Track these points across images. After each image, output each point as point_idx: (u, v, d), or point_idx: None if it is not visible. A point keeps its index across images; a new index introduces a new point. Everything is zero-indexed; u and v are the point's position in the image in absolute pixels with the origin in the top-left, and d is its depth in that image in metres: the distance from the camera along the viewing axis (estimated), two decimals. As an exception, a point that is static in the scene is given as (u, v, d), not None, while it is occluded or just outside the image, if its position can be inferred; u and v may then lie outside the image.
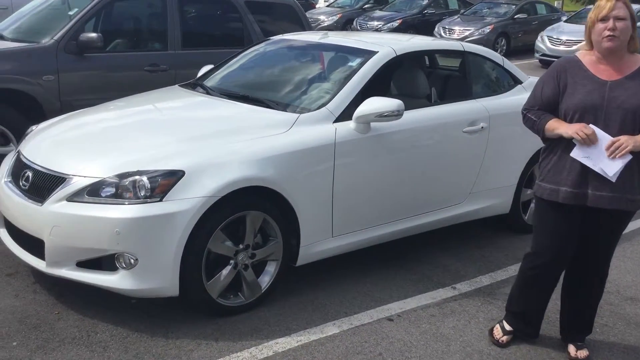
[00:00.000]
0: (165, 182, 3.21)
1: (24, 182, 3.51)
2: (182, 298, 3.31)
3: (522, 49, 17.03)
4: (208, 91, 4.43)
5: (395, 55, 4.25)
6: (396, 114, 3.79)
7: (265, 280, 3.60)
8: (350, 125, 3.81)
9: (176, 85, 4.77)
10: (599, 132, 2.91)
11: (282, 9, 7.05)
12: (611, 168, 2.90)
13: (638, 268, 4.48)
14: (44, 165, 3.47)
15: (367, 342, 3.32)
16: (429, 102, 4.46)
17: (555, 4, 23.09)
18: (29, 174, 3.50)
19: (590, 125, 2.91)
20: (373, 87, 4.06)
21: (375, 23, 18.87)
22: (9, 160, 3.88)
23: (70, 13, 5.72)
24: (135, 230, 3.13)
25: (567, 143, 2.99)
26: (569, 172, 3.00)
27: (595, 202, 2.98)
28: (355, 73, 4.05)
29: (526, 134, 4.47)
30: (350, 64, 4.23)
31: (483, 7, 19.21)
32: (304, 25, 7.10)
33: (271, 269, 3.61)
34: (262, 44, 5.00)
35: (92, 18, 5.70)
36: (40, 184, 3.41)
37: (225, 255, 3.42)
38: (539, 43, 15.71)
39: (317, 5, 23.76)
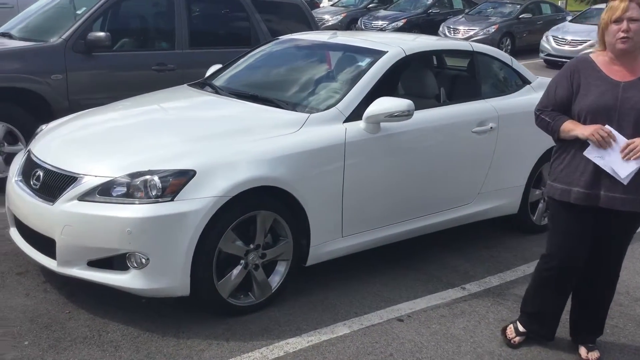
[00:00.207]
0: (176, 182, 3.21)
1: (34, 182, 3.51)
2: (192, 298, 3.31)
3: (527, 49, 16.99)
4: (217, 90, 4.43)
5: (404, 55, 4.24)
6: (406, 114, 3.78)
7: (275, 280, 3.60)
8: (360, 125, 3.81)
9: (185, 85, 4.77)
10: (616, 134, 2.90)
11: (289, 8, 7.05)
12: (624, 170, 2.89)
13: (647, 269, 4.47)
14: (55, 164, 3.47)
15: (377, 342, 3.32)
16: (437, 102, 4.46)
17: (559, 4, 23.04)
18: (40, 173, 3.50)
19: (606, 127, 2.91)
20: (382, 87, 4.06)
21: (380, 22, 18.86)
22: (19, 160, 3.88)
23: (78, 12, 5.72)
24: (147, 229, 3.13)
25: (581, 143, 2.98)
26: (582, 173, 2.99)
27: (607, 204, 2.97)
28: (365, 73, 4.04)
29: (535, 135, 4.47)
30: (359, 63, 4.23)
31: (487, 7, 19.19)
32: (311, 24, 7.10)
33: (281, 268, 3.61)
34: (271, 44, 5.00)
35: (100, 17, 5.70)
36: (52, 183, 3.41)
37: (235, 255, 3.42)
38: (544, 43, 15.69)
39: (321, 5, 23.76)
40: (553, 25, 16.95)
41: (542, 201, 4.97)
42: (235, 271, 3.42)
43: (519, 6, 18.41)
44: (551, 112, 3.09)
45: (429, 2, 20.07)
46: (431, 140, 4.17)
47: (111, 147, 3.57)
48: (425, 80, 4.46)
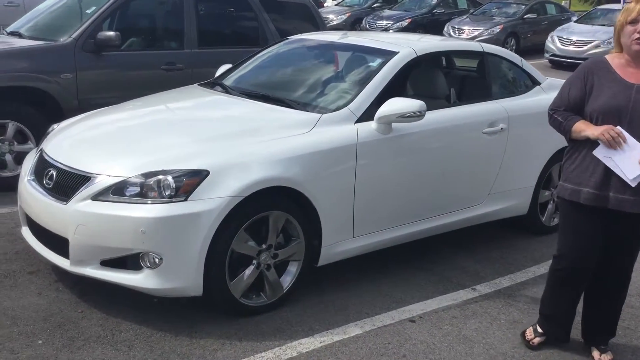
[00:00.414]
0: (190, 182, 3.21)
1: (47, 181, 3.51)
2: (205, 297, 3.31)
3: (532, 49, 16.98)
4: (228, 90, 4.43)
5: (415, 55, 4.24)
6: (418, 115, 3.78)
7: (287, 280, 3.60)
8: (371, 125, 3.81)
9: (195, 85, 4.77)
10: (627, 135, 2.90)
11: (297, 8, 7.04)
12: (632, 173, 2.89)
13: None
14: (68, 164, 3.48)
15: (390, 343, 3.32)
16: (448, 102, 4.46)
17: (563, 4, 23.01)
18: (53, 172, 3.51)
19: (618, 128, 2.91)
20: (393, 88, 4.06)
21: (385, 22, 18.84)
22: (31, 159, 3.89)
23: (88, 11, 5.72)
24: (161, 229, 3.14)
25: (592, 144, 2.98)
26: (592, 174, 3.00)
27: (616, 205, 2.97)
28: (377, 73, 4.04)
29: (545, 136, 4.50)
30: (371, 64, 4.23)
31: (492, 7, 19.17)
32: (319, 24, 7.10)
33: (293, 269, 3.62)
34: (281, 44, 5.00)
35: (109, 16, 5.70)
36: (65, 183, 3.41)
37: (248, 255, 3.42)
38: (549, 43, 15.67)
39: (325, 4, 23.73)
40: (558, 25, 16.92)
41: (551, 202, 4.97)
42: (248, 271, 3.42)
43: (523, 6, 18.38)
44: (564, 112, 3.09)
45: (433, 2, 20.05)
46: (442, 141, 4.17)
47: (124, 147, 3.58)
48: (436, 80, 4.46)
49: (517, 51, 16.88)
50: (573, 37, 15.21)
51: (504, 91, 4.79)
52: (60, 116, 5.11)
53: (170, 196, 3.18)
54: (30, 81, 5.25)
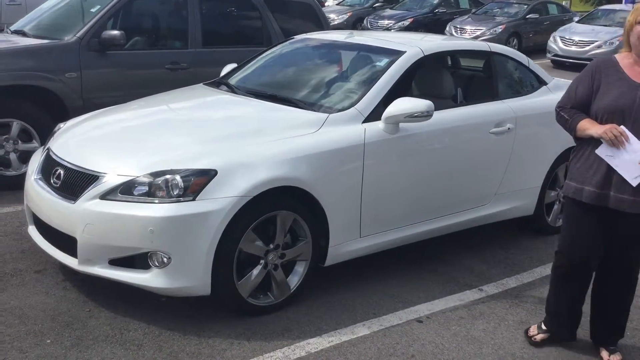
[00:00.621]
0: (198, 181, 3.20)
1: (55, 180, 3.51)
2: (213, 297, 3.31)
3: (534, 49, 16.96)
4: (234, 90, 4.42)
5: (423, 55, 4.23)
6: (426, 115, 3.78)
7: (294, 280, 3.59)
8: (379, 125, 3.80)
9: (201, 84, 4.76)
10: (630, 135, 2.90)
11: (301, 7, 7.03)
12: (633, 173, 2.89)
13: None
14: (76, 163, 3.47)
15: (398, 343, 3.31)
16: (455, 102, 4.45)
17: (564, 4, 23.02)
18: (61, 171, 3.50)
19: (621, 127, 2.91)
20: (400, 88, 4.06)
21: (386, 22, 18.83)
22: (37, 157, 3.88)
23: (92, 10, 5.71)
24: (169, 229, 3.13)
25: (596, 143, 2.99)
26: (594, 172, 3.00)
27: (616, 205, 2.97)
28: (384, 73, 4.03)
29: (551, 136, 4.50)
30: (378, 64, 4.22)
31: (494, 7, 19.16)
32: (323, 24, 7.09)
33: (300, 269, 3.61)
34: (286, 43, 4.99)
35: (114, 16, 5.69)
36: (72, 182, 3.41)
37: (255, 255, 3.41)
38: (551, 43, 15.66)
39: (326, 4, 23.72)
40: (560, 25, 16.92)
41: (557, 203, 4.96)
42: (255, 271, 3.41)
43: (525, 6, 18.37)
44: (570, 110, 3.11)
45: (435, 2, 20.03)
46: (449, 141, 4.16)
47: (132, 146, 3.57)
48: (443, 80, 4.45)
49: (519, 51, 16.82)
50: (575, 38, 15.20)
51: (510, 91, 4.79)
52: (65, 115, 5.11)
53: (179, 195, 3.18)
54: (34, 80, 5.24)
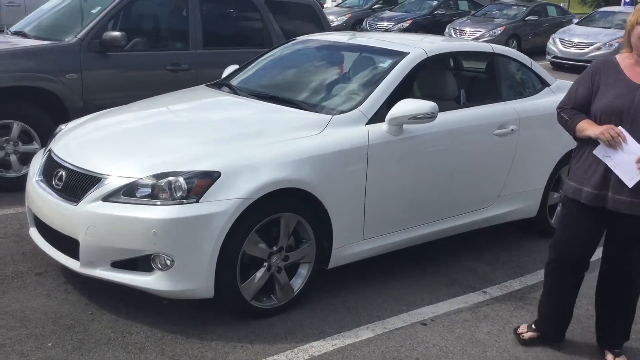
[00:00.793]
0: (201, 183, 3.18)
1: (57, 182, 3.48)
2: (216, 300, 3.28)
3: (533, 51, 16.94)
4: (236, 91, 4.40)
5: (426, 56, 4.22)
6: (430, 116, 3.76)
7: (297, 282, 3.57)
8: (382, 127, 3.78)
9: (203, 85, 4.73)
10: (627, 136, 2.88)
11: (302, 9, 7.01)
12: (630, 174, 2.87)
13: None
14: (78, 164, 3.44)
15: (402, 346, 3.29)
16: (458, 104, 4.43)
17: (562, 5, 23.04)
18: (62, 173, 3.47)
19: (619, 127, 2.90)
20: (403, 89, 4.04)
21: (385, 23, 18.83)
22: (39, 159, 3.85)
23: (93, 11, 5.69)
24: (172, 231, 3.11)
25: (595, 144, 2.99)
26: (593, 173, 3.00)
27: (614, 206, 2.96)
28: (387, 74, 4.02)
29: (554, 137, 4.48)
30: (381, 65, 4.20)
31: (493, 9, 19.19)
32: (324, 25, 7.07)
33: (304, 271, 3.58)
34: (289, 44, 4.97)
35: (115, 17, 5.67)
36: (75, 184, 3.38)
37: (258, 258, 3.39)
38: (550, 45, 15.68)
39: (325, 5, 23.71)
40: (559, 27, 16.93)
41: (560, 204, 4.94)
42: (259, 273, 3.39)
43: (524, 8, 18.39)
44: (570, 111, 3.11)
45: (434, 4, 20.06)
46: (453, 142, 4.14)
47: (134, 148, 3.55)
48: (447, 81, 4.43)
49: (519, 53, 16.83)
50: (575, 39, 15.21)
51: (513, 92, 4.77)
52: (66, 116, 5.09)
53: (182, 197, 3.15)
54: (35, 81, 5.22)
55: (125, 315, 3.37)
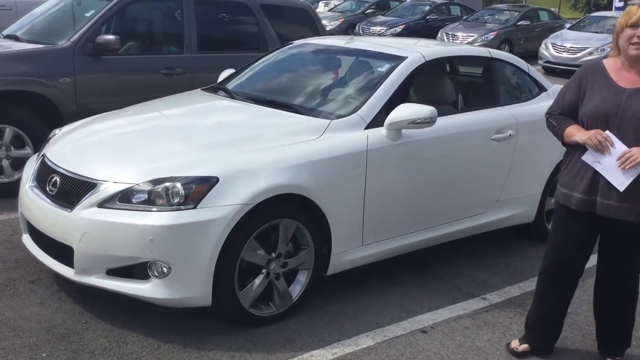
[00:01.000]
0: (199, 189, 3.12)
1: (51, 187, 3.41)
2: (213, 307, 3.22)
3: (525, 56, 16.91)
4: (232, 95, 4.35)
5: (424, 61, 4.19)
6: (429, 121, 3.73)
7: (296, 289, 3.52)
8: (381, 132, 3.74)
9: (199, 90, 4.68)
10: (615, 139, 2.86)
11: (297, 13, 6.98)
12: (619, 177, 2.85)
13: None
14: (72, 170, 3.38)
15: (403, 355, 3.24)
16: (456, 109, 4.40)
17: (552, 10, 23.16)
18: (57, 179, 3.41)
19: (606, 132, 2.88)
20: (401, 93, 4.01)
21: (378, 28, 18.86)
22: (32, 164, 3.78)
23: (87, 15, 5.62)
24: (170, 238, 3.05)
25: (583, 149, 2.96)
26: (582, 178, 2.97)
27: (603, 211, 2.94)
28: (386, 79, 3.98)
29: (551, 142, 4.40)
30: (379, 69, 4.17)
31: (485, 14, 19.26)
32: (319, 30, 7.03)
33: (302, 278, 3.53)
34: (285, 48, 4.93)
35: (108, 20, 5.60)
36: (69, 190, 3.32)
37: (257, 264, 3.34)
38: (542, 50, 15.73)
39: (318, 10, 23.71)
40: (551, 32, 17.00)
41: (556, 210, 4.92)
42: (257, 281, 3.34)
43: (516, 13, 18.47)
44: (558, 116, 3.09)
45: (427, 9, 20.11)
46: (452, 147, 4.11)
47: (129, 153, 3.48)
48: (445, 86, 4.40)
49: (511, 58, 16.85)
50: (567, 44, 15.27)
51: (511, 97, 4.75)
52: (59, 121, 5.03)
53: (179, 204, 3.10)
54: (28, 85, 5.15)
55: (121, 324, 3.31)
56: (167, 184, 3.14)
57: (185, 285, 3.11)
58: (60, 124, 4.62)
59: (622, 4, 20.25)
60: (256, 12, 6.53)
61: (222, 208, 3.11)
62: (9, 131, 5.08)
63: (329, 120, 3.71)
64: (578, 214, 3.01)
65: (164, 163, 3.29)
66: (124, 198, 3.16)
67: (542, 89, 4.91)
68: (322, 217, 3.49)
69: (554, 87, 5.00)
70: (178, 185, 3.12)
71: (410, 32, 18.49)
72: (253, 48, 6.41)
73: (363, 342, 3.32)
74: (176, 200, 3.10)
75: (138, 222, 3.06)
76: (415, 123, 3.69)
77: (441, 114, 4.07)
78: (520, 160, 4.49)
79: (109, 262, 3.15)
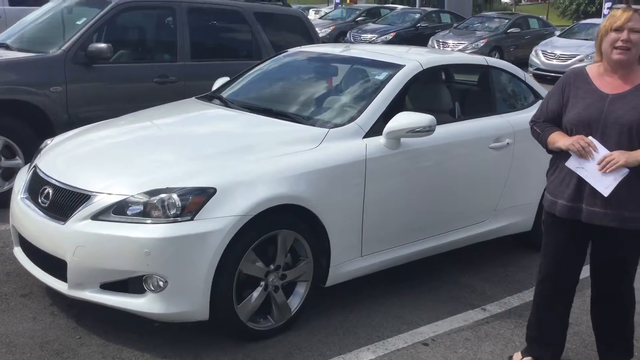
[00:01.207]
0: (196, 200, 3.06)
1: (43, 199, 3.33)
2: (210, 322, 3.15)
3: (515, 63, 16.89)
4: (228, 104, 4.29)
5: (422, 69, 4.15)
6: (428, 130, 3.68)
7: (295, 302, 3.45)
8: (380, 140, 3.70)
9: (193, 98, 4.61)
10: (598, 145, 2.83)
11: (290, 20, 6.95)
12: (603, 182, 2.81)
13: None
14: (65, 181, 3.30)
15: (405, 368, 3.19)
16: (453, 117, 4.36)
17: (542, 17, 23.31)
18: (49, 190, 3.33)
19: (589, 137, 2.84)
20: (398, 102, 3.96)
21: (369, 36, 18.89)
22: (23, 176, 3.70)
23: (78, 23, 5.55)
24: (166, 251, 2.98)
25: (567, 155, 2.92)
26: (567, 185, 2.94)
27: (588, 218, 2.90)
28: (384, 87, 3.94)
29: (549, 150, 4.42)
30: (377, 77, 4.12)
31: (475, 22, 19.35)
32: (312, 37, 7.00)
33: (301, 290, 3.47)
34: (281, 56, 4.88)
35: (100, 28, 5.53)
36: (62, 202, 3.24)
37: (255, 277, 3.27)
38: (533, 57, 15.81)
39: (308, 17, 23.73)
40: (541, 39, 17.09)
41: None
42: (256, 293, 3.27)
43: (506, 21, 18.55)
44: (542, 124, 3.07)
45: (417, 17, 20.17)
46: (450, 156, 4.07)
47: (124, 164, 3.41)
48: (442, 94, 4.37)
49: (501, 65, 16.91)
50: (557, 51, 15.35)
51: (508, 105, 4.72)
52: (50, 130, 4.95)
53: (176, 215, 3.03)
54: (18, 94, 5.06)
55: (116, 339, 3.23)
56: (163, 195, 3.07)
57: (182, 299, 3.04)
58: (52, 133, 4.54)
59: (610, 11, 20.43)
60: (249, 20, 6.49)
61: (220, 220, 3.04)
62: (-1, 141, 5.00)
63: (327, 129, 3.66)
64: (564, 222, 2.98)
65: (159, 174, 3.22)
66: (119, 210, 3.08)
67: (538, 96, 4.88)
68: (320, 227, 3.43)
69: (550, 95, 4.98)
70: (174, 196, 3.05)
71: (401, 39, 18.53)
72: (246, 56, 6.38)
73: (364, 356, 3.26)
74: (172, 211, 3.03)
75: (133, 235, 2.99)
76: (414, 132, 3.65)
77: (439, 122, 4.02)
78: (518, 169, 4.46)
79: (104, 276, 3.08)
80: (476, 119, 4.38)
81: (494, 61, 4.77)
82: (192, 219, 3.02)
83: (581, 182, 2.88)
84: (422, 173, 3.91)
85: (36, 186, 3.46)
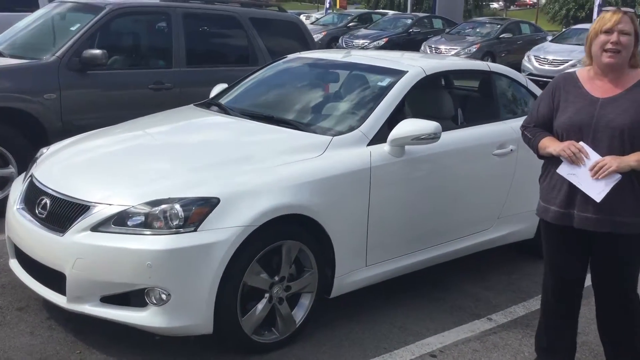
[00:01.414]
0: (199, 211, 2.97)
1: (40, 210, 3.24)
2: (214, 335, 3.06)
3: (508, 68, 17.07)
4: (227, 111, 4.21)
5: (425, 75, 4.08)
6: (433, 137, 3.62)
7: (299, 313, 3.37)
8: (384, 148, 3.63)
9: (191, 105, 4.53)
10: (589, 150, 2.78)
11: (287, 26, 6.88)
12: (595, 188, 2.76)
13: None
14: (63, 191, 3.21)
15: (414, 381, 3.11)
16: (456, 124, 4.30)
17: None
18: (47, 201, 3.23)
19: (580, 143, 2.80)
20: (402, 108, 3.90)
21: (361, 41, 18.86)
22: (19, 185, 3.60)
23: (72, 29, 5.45)
24: (169, 263, 2.89)
25: (559, 161, 2.88)
26: (558, 191, 2.90)
27: (580, 224, 2.85)
28: (387, 94, 3.87)
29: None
30: (380, 84, 4.06)
31: (466, 27, 19.37)
32: (309, 43, 6.93)
33: (306, 301, 3.39)
34: (280, 62, 4.81)
35: (95, 34, 5.44)
36: (60, 212, 3.14)
37: (259, 288, 3.19)
38: (525, 62, 15.82)
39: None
40: (533, 45, 17.12)
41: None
42: (260, 306, 3.18)
43: (498, 26, 18.59)
44: (533, 129, 3.03)
45: (409, 22, 20.18)
46: (455, 163, 4.01)
47: (124, 173, 3.32)
48: (445, 101, 4.30)
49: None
50: (549, 57, 15.37)
51: (510, 111, 4.67)
52: (44, 138, 4.86)
53: (179, 226, 2.94)
54: (11, 101, 4.96)
55: (117, 353, 3.13)
56: (165, 205, 2.98)
57: (185, 312, 2.95)
58: (46, 141, 4.45)
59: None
60: (245, 25, 6.42)
61: (224, 230, 2.96)
62: (-9, 149, 4.89)
63: (331, 137, 3.59)
64: (558, 228, 2.93)
65: (161, 183, 3.14)
66: (119, 221, 2.99)
67: (540, 102, 4.83)
68: (325, 237, 3.36)
69: (552, 101, 4.94)
70: (177, 206, 2.97)
71: (393, 45, 18.51)
72: (243, 62, 6.31)
73: (371, 369, 3.19)
74: (175, 222, 2.95)
75: (135, 247, 2.90)
76: (419, 139, 3.59)
77: (444, 129, 3.98)
78: (521, 176, 4.40)
79: (104, 289, 2.98)
80: (479, 126, 4.32)
81: (496, 67, 4.73)
82: (195, 230, 2.94)
83: (572, 188, 2.83)
84: (427, 181, 3.85)
85: (33, 196, 3.36)
